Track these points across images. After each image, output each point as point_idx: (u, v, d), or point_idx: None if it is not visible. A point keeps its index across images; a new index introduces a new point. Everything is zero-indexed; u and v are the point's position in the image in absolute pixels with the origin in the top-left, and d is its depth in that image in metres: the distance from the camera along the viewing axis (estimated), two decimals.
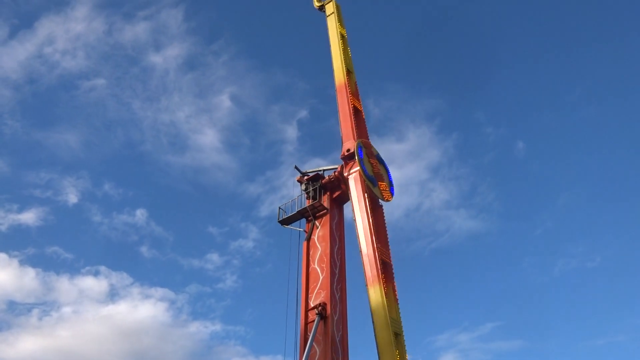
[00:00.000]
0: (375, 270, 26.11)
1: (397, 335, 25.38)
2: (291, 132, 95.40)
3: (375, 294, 25.64)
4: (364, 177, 28.99)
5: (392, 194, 31.01)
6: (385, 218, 29.58)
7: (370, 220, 27.43)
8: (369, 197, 28.71)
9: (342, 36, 34.81)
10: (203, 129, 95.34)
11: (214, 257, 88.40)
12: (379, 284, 25.72)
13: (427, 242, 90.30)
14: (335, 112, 32.60)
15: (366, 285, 26.25)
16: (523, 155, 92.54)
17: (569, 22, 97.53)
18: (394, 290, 26.97)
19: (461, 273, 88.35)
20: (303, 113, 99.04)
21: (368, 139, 31.85)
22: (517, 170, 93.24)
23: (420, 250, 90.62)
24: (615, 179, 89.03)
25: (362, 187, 28.65)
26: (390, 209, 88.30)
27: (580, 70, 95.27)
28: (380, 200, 29.85)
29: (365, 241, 27.04)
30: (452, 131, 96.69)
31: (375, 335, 25.09)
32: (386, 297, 25.77)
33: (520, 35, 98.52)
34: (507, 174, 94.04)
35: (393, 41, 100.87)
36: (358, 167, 29.17)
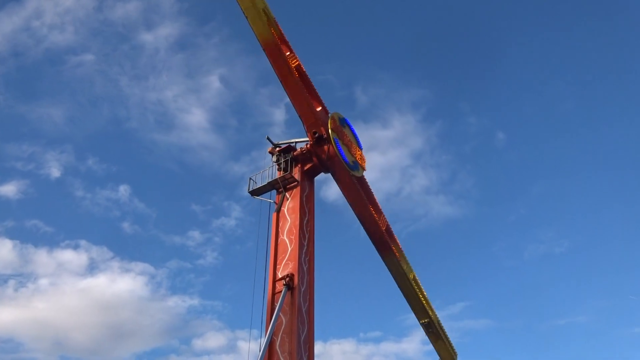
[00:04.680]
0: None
1: None
2: (279, 114, 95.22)
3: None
4: (345, 166, 30.57)
5: (361, 148, 32.90)
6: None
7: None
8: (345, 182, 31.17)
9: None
10: (191, 109, 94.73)
11: (196, 234, 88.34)
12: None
13: (404, 226, 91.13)
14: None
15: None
16: (503, 145, 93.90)
17: (551, 14, 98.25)
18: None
19: (435, 256, 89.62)
20: None
21: (324, 106, 31.50)
22: (496, 159, 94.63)
23: (397, 233, 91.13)
24: (586, 170, 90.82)
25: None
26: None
27: (561, 64, 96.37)
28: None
29: None
30: (436, 120, 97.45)
31: None
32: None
33: (505, 28, 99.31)
34: (487, 163, 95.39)
35: (384, 31, 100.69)
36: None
